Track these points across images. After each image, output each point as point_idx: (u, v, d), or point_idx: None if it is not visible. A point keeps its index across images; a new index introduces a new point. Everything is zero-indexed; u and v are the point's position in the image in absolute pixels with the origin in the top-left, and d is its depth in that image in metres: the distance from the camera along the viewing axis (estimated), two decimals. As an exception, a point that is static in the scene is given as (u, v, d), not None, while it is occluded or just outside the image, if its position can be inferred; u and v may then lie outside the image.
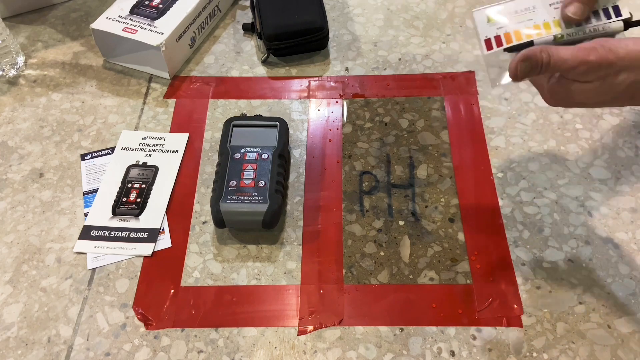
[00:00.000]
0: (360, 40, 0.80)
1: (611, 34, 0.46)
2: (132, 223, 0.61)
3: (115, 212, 0.62)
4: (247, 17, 0.84)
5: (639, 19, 0.46)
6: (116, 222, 0.61)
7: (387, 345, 0.52)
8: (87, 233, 0.60)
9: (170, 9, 0.76)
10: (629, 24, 0.46)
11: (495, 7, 0.47)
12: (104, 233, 0.60)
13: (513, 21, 0.46)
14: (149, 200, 0.63)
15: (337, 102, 0.72)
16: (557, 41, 0.46)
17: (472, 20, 0.48)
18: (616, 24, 0.46)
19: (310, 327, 0.54)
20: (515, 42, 0.46)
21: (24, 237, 0.61)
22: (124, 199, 0.63)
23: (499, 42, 0.46)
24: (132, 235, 0.60)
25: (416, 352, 0.52)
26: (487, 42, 0.46)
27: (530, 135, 0.67)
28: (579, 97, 0.43)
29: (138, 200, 0.63)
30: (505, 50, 0.46)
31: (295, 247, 0.59)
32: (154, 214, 0.62)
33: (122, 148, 0.68)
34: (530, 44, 0.46)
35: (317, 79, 0.75)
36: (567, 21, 0.46)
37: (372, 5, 0.84)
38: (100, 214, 0.62)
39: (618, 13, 0.46)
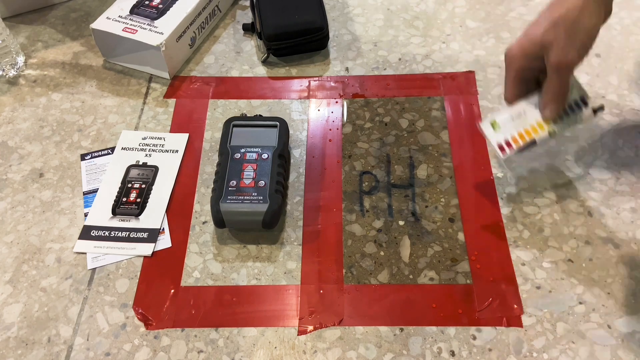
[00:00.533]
0: (360, 40, 0.80)
1: (585, 121, 0.56)
2: (132, 223, 0.61)
3: (115, 212, 0.62)
4: (247, 17, 0.84)
5: (601, 104, 0.55)
6: (116, 222, 0.61)
7: (387, 345, 0.52)
8: (87, 233, 0.60)
9: (170, 9, 0.76)
10: (595, 110, 0.55)
11: (496, 117, 0.56)
12: (104, 233, 0.60)
13: (513, 126, 0.55)
14: (149, 200, 0.63)
15: (337, 102, 0.72)
16: (551, 136, 0.55)
17: (481, 131, 0.57)
18: (587, 112, 0.55)
19: (310, 327, 0.54)
20: (521, 143, 0.55)
21: (24, 237, 0.61)
22: (124, 199, 0.63)
23: (509, 145, 0.55)
24: (132, 235, 0.60)
25: (416, 352, 0.52)
26: (501, 147, 0.55)
27: (530, 135, 0.67)
28: None
29: (138, 200, 0.63)
30: (517, 151, 0.55)
31: (295, 247, 0.59)
32: (154, 214, 0.62)
33: (122, 148, 0.68)
34: (533, 142, 0.55)
35: (317, 79, 0.75)
36: (546, 121, 0.54)
37: (372, 5, 0.84)
38: (100, 214, 0.62)
39: (585, 103, 0.55)
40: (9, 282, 0.57)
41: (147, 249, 0.59)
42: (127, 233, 0.60)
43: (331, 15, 0.83)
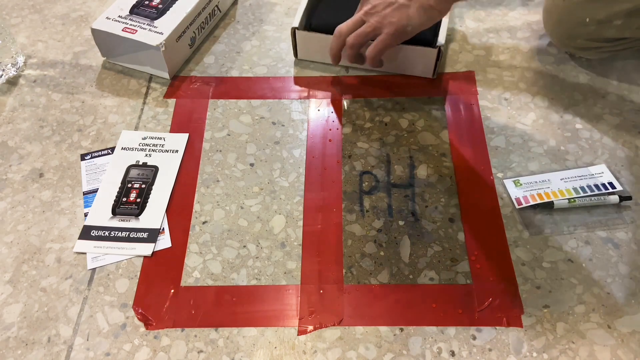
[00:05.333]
0: (360, 40, 0.79)
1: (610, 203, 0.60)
2: (132, 223, 0.61)
3: (115, 212, 0.62)
4: (246, 17, 0.84)
5: (629, 195, 0.60)
6: (116, 222, 0.61)
7: (387, 345, 0.52)
8: (87, 233, 0.60)
9: (170, 9, 0.76)
10: (622, 198, 0.60)
11: (521, 178, 0.63)
12: (104, 233, 0.60)
13: (535, 187, 0.62)
14: (149, 200, 0.63)
15: (337, 102, 0.72)
16: (571, 204, 0.60)
17: (503, 186, 0.63)
18: (613, 197, 0.60)
19: (310, 327, 0.54)
20: (539, 201, 0.60)
21: (24, 237, 0.61)
22: (124, 199, 0.63)
23: (526, 200, 0.61)
24: (132, 235, 0.60)
25: (416, 352, 0.52)
26: (518, 200, 0.61)
27: (530, 135, 0.67)
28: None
29: (138, 200, 0.63)
30: (532, 206, 0.60)
31: (295, 247, 0.59)
32: (154, 214, 0.62)
33: (122, 148, 0.68)
34: (551, 204, 0.60)
35: (317, 79, 0.75)
36: (568, 191, 0.60)
37: (372, 5, 0.84)
38: (100, 214, 0.62)
39: (614, 187, 0.61)
40: (9, 282, 0.57)
41: (147, 249, 0.59)
42: (127, 233, 0.60)
43: (331, 15, 0.83)
